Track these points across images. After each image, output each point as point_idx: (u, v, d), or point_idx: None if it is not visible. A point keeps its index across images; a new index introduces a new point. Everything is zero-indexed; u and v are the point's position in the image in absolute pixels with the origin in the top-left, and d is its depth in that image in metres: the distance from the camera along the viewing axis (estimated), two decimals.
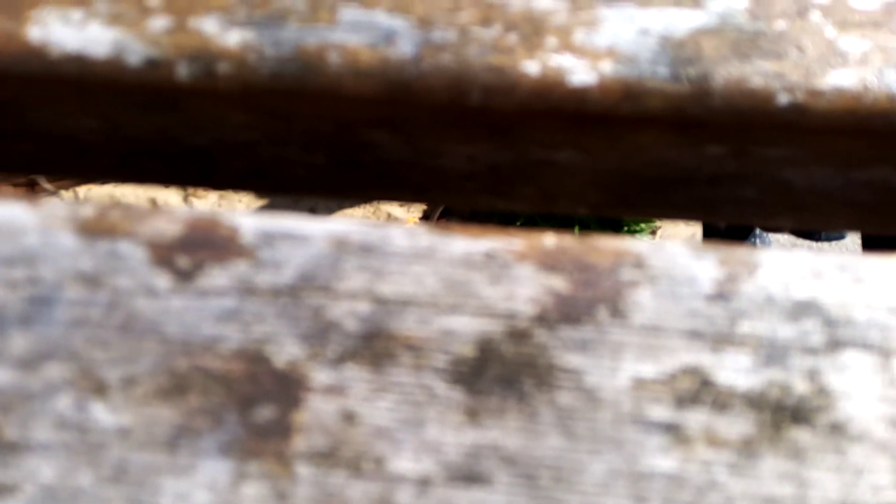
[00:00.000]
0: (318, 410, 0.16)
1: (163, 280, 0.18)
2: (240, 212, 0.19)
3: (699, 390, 0.16)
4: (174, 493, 0.16)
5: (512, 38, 0.20)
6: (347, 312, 0.17)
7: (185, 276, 0.18)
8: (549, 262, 0.18)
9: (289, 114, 0.21)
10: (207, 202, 1.16)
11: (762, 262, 0.17)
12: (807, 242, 1.11)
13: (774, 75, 0.19)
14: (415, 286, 0.18)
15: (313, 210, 1.17)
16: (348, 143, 0.23)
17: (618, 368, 0.16)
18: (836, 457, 0.15)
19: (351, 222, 0.19)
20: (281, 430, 0.16)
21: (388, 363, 0.17)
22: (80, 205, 0.19)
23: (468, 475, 0.16)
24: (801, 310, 0.17)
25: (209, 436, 0.16)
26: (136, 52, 0.20)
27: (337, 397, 0.17)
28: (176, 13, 0.20)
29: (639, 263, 0.17)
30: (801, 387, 0.16)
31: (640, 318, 0.17)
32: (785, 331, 0.17)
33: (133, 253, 0.18)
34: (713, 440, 0.16)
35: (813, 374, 0.16)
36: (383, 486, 0.16)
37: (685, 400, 0.16)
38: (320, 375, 0.17)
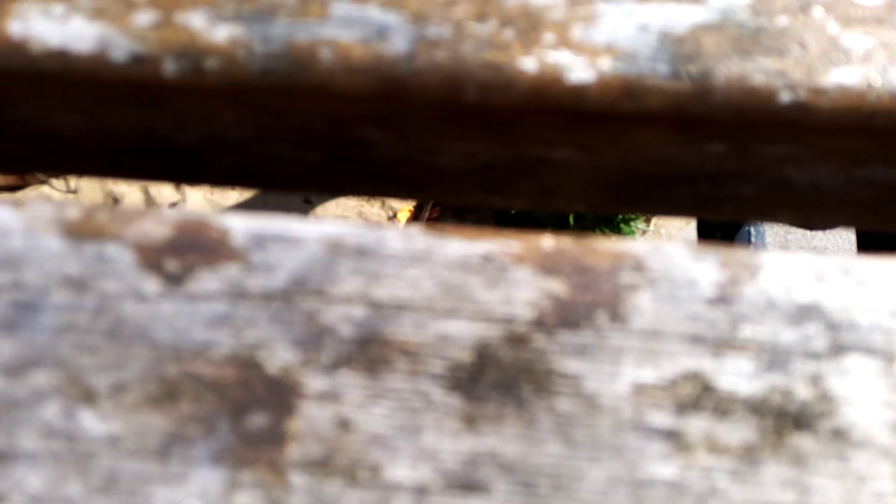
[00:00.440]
0: (312, 417, 0.16)
1: (151, 284, 0.17)
2: (230, 213, 0.18)
3: (700, 396, 0.16)
4: (165, 503, 0.15)
5: (508, 34, 0.19)
6: (342, 317, 0.17)
7: (174, 280, 0.17)
8: (547, 265, 0.17)
9: (279, 111, 0.21)
10: (200, 191, 1.15)
11: (764, 264, 0.17)
12: (800, 231, 1.11)
13: (776, 73, 0.19)
14: (410, 290, 0.17)
15: (308, 200, 1.16)
16: (341, 139, 0.22)
17: (617, 374, 0.16)
18: (839, 463, 0.15)
19: (345, 224, 0.18)
20: (274, 437, 0.16)
21: (383, 369, 0.17)
22: (65, 206, 0.19)
23: (466, 483, 0.16)
24: (804, 313, 0.16)
25: (201, 444, 0.16)
26: (120, 47, 0.20)
27: (331, 404, 0.16)
28: (162, 7, 0.20)
29: (638, 266, 0.17)
30: (803, 392, 0.16)
31: (639, 323, 0.17)
32: (787, 335, 0.16)
33: (120, 256, 0.18)
34: (714, 447, 0.16)
35: (815, 380, 0.16)
36: (379, 495, 0.16)
37: (686, 406, 0.16)
38: (314, 382, 0.16)
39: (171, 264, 0.18)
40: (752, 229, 0.93)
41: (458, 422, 0.16)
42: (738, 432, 0.16)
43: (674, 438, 0.16)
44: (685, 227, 1.22)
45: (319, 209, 1.17)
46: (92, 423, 0.16)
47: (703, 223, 0.91)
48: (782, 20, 0.19)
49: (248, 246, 0.18)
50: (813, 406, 0.16)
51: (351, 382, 0.16)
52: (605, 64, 0.19)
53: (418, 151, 0.22)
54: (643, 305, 0.17)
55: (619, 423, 0.16)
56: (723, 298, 0.17)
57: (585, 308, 0.17)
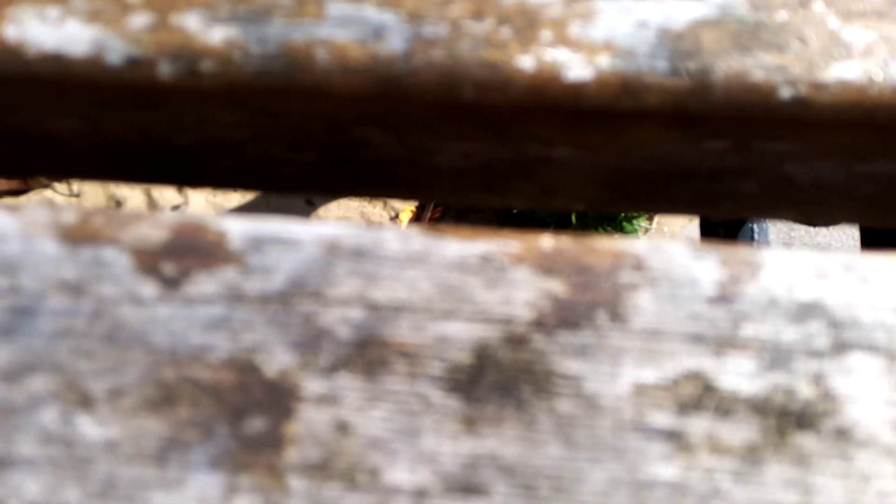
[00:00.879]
0: (310, 421, 0.16)
1: (148, 288, 0.17)
2: (227, 215, 0.18)
3: (702, 396, 0.16)
4: None
5: (505, 32, 0.19)
6: (340, 319, 0.17)
7: (171, 284, 0.17)
8: (546, 265, 0.17)
9: (276, 112, 0.21)
10: (202, 193, 1.15)
11: (765, 261, 0.17)
12: (803, 228, 1.10)
13: (776, 68, 0.18)
14: (408, 291, 0.17)
15: (310, 202, 1.16)
16: (339, 140, 0.22)
17: (618, 374, 0.16)
18: (842, 463, 0.15)
19: (342, 225, 0.18)
20: (272, 441, 0.16)
21: (381, 371, 0.16)
22: (61, 210, 0.18)
23: (465, 486, 0.15)
24: (806, 311, 0.16)
25: (199, 448, 0.16)
26: (116, 50, 0.19)
27: (330, 407, 0.16)
28: (157, 9, 0.20)
29: (638, 265, 0.17)
30: (805, 391, 0.16)
31: (640, 322, 0.16)
32: (789, 333, 0.16)
33: (117, 260, 0.18)
34: (716, 447, 0.15)
35: (818, 378, 0.16)
36: (378, 499, 0.15)
37: (687, 406, 0.16)
38: (312, 385, 0.16)
39: (168, 268, 0.18)
40: (755, 226, 0.93)
41: (458, 424, 0.16)
42: (740, 432, 0.15)
43: (675, 439, 0.16)
44: (688, 225, 1.22)
45: (322, 210, 1.17)
46: (89, 428, 0.16)
47: (705, 220, 0.91)
48: (782, 15, 0.19)
49: (245, 248, 0.18)
50: (816, 405, 0.16)
51: (349, 385, 0.16)
52: (604, 61, 0.19)
53: (416, 151, 0.22)
54: (643, 305, 0.17)
55: (620, 423, 0.16)
56: (724, 297, 0.17)
57: (585, 308, 0.17)
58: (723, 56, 0.19)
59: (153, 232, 0.18)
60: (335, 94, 0.19)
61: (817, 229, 1.10)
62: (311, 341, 0.17)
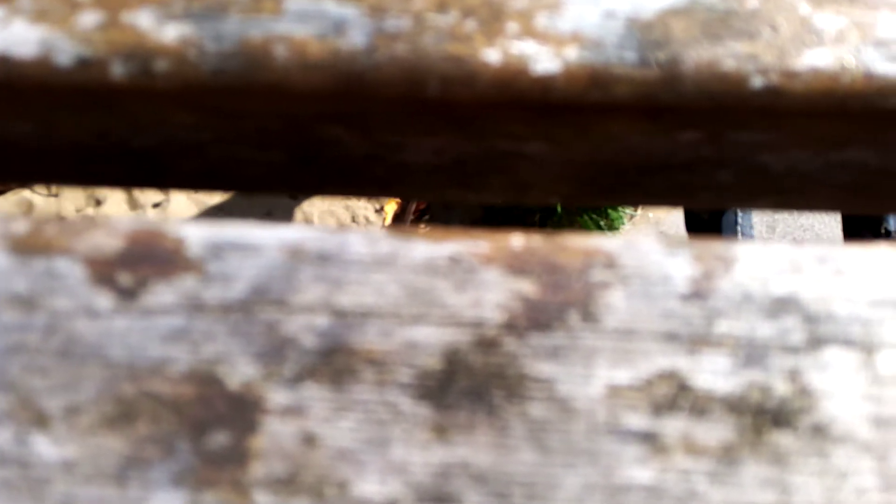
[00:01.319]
0: (275, 434, 0.15)
1: (104, 299, 0.17)
2: (185, 221, 0.18)
3: (676, 396, 0.15)
4: None
5: (470, 25, 0.19)
6: (304, 327, 0.16)
7: (127, 295, 0.17)
8: (516, 265, 0.17)
9: (236, 112, 0.20)
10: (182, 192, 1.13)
11: (738, 256, 0.17)
12: (786, 212, 1.11)
13: (747, 57, 0.18)
14: (375, 296, 0.17)
15: (294, 196, 1.15)
16: (304, 139, 0.21)
17: (591, 376, 0.16)
18: (819, 460, 0.15)
19: (305, 228, 0.17)
20: (237, 456, 0.15)
21: (349, 380, 0.16)
22: (11, 220, 0.18)
23: (437, 496, 0.15)
24: (780, 306, 0.16)
25: (160, 466, 0.15)
26: (65, 51, 0.19)
27: (295, 419, 0.16)
28: (107, 7, 0.19)
29: (610, 263, 0.17)
30: (781, 388, 0.15)
31: (612, 322, 0.16)
32: (764, 329, 0.16)
33: (71, 271, 0.17)
34: (692, 448, 0.15)
35: (794, 374, 0.15)
36: None
37: (662, 406, 0.15)
38: (277, 396, 0.16)
39: (124, 278, 0.17)
40: (739, 212, 0.93)
41: (428, 432, 0.15)
42: (716, 432, 0.15)
43: (650, 441, 0.15)
44: (673, 210, 1.22)
45: (306, 204, 1.15)
46: (45, 447, 0.16)
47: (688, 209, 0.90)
48: (752, 2, 0.19)
49: (204, 255, 0.17)
50: (792, 402, 0.15)
51: (315, 395, 0.16)
52: (572, 53, 0.18)
53: (384, 148, 0.21)
54: (616, 304, 0.16)
55: (594, 426, 0.15)
56: (697, 294, 0.16)
57: (557, 308, 0.16)
58: (693, 45, 0.18)
59: (107, 240, 0.17)
60: (296, 92, 0.19)
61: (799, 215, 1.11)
62: (274, 351, 0.16)
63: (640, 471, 0.15)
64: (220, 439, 0.16)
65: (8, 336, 0.16)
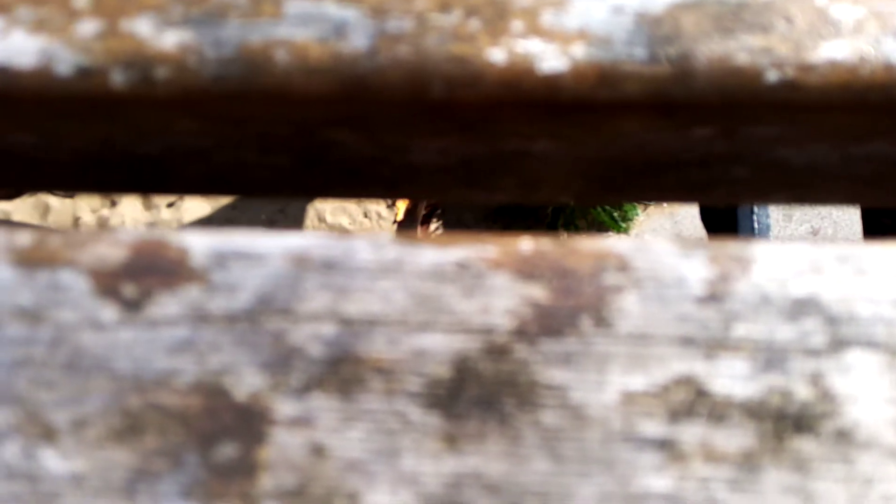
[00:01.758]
0: (283, 445, 0.15)
1: (109, 311, 0.16)
2: (189, 230, 0.17)
3: (694, 402, 0.15)
4: None
5: (474, 24, 0.18)
6: (311, 336, 0.16)
7: (132, 306, 0.16)
8: (526, 270, 0.16)
9: (239, 118, 0.20)
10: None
11: (756, 257, 0.16)
12: (802, 207, 1.09)
13: (761, 51, 0.17)
14: (382, 304, 0.16)
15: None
16: (309, 143, 0.21)
17: (605, 382, 0.15)
18: (844, 466, 0.14)
19: (310, 236, 0.17)
20: (245, 468, 0.15)
21: (357, 390, 0.16)
22: (15, 233, 0.18)
23: None
24: (801, 308, 0.15)
25: (168, 478, 0.15)
26: (65, 60, 0.18)
27: (303, 430, 0.15)
28: (106, 15, 0.19)
29: (622, 266, 0.16)
30: (803, 392, 0.15)
31: (626, 326, 0.16)
32: (783, 332, 0.15)
33: (75, 283, 0.17)
34: (711, 455, 0.15)
35: (815, 378, 0.15)
36: None
37: (679, 413, 0.15)
38: (284, 407, 0.16)
39: (129, 289, 0.17)
40: (755, 207, 0.92)
41: (439, 442, 0.15)
42: (735, 438, 0.15)
43: (667, 448, 0.15)
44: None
45: (318, 201, 1.15)
46: (54, 461, 0.15)
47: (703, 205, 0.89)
48: None
49: (208, 265, 0.17)
50: (814, 406, 0.15)
51: (323, 406, 0.16)
52: (579, 51, 0.18)
53: (390, 151, 0.21)
54: (629, 308, 0.16)
55: (609, 434, 0.15)
56: (714, 296, 0.16)
57: (568, 314, 0.16)
58: (704, 40, 0.18)
59: (111, 251, 0.17)
60: (298, 97, 0.18)
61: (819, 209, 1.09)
62: (281, 361, 0.16)
63: (657, 479, 0.15)
64: (227, 451, 0.15)
65: (14, 350, 0.16)
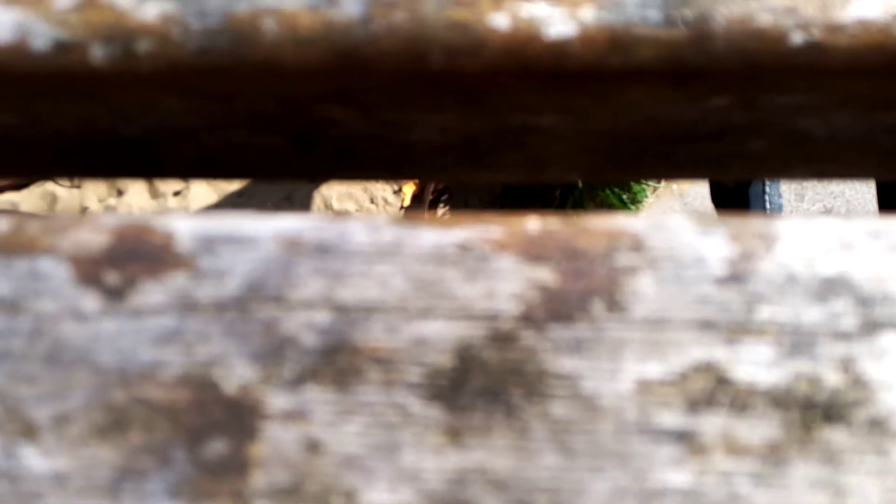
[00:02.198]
0: (276, 440, 0.14)
1: (91, 301, 0.16)
2: (175, 213, 0.16)
3: (714, 390, 0.14)
4: None
5: None
6: (304, 325, 0.15)
7: (115, 295, 0.16)
8: (532, 251, 0.15)
9: (227, 94, 0.19)
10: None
11: (781, 233, 0.15)
12: (815, 186, 1.07)
13: (785, 10, 0.16)
14: (380, 289, 0.15)
15: (312, 179, 1.13)
16: (302, 121, 0.20)
17: (619, 370, 0.14)
18: (877, 458, 0.13)
19: (303, 218, 0.16)
20: (236, 465, 0.14)
21: (353, 381, 0.15)
22: None
23: None
24: (830, 288, 0.14)
25: (155, 476, 0.14)
26: (41, 34, 0.17)
27: (297, 424, 0.14)
28: None
29: (636, 245, 0.15)
30: (832, 379, 0.14)
31: (641, 310, 0.15)
32: (811, 314, 0.14)
33: (55, 271, 0.16)
34: (733, 447, 0.14)
35: (846, 363, 0.14)
36: None
37: (699, 402, 0.14)
38: (277, 400, 0.15)
39: (112, 277, 0.16)
40: (767, 186, 0.90)
41: (441, 436, 0.14)
42: (759, 429, 0.14)
43: (686, 440, 0.14)
44: (697, 182, 1.19)
45: (324, 187, 1.14)
46: (35, 459, 0.15)
47: (713, 182, 0.88)
48: None
49: (195, 250, 0.16)
50: (845, 394, 0.14)
51: (318, 398, 0.15)
52: (588, 14, 0.17)
53: (388, 128, 0.20)
54: (644, 290, 0.15)
55: (623, 426, 0.14)
56: (735, 277, 0.15)
57: (579, 297, 0.15)
58: (723, 0, 0.16)
59: (93, 237, 0.16)
60: (288, 70, 0.17)
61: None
62: (273, 351, 0.15)
63: (675, 473, 0.14)
64: (217, 447, 0.14)
65: None
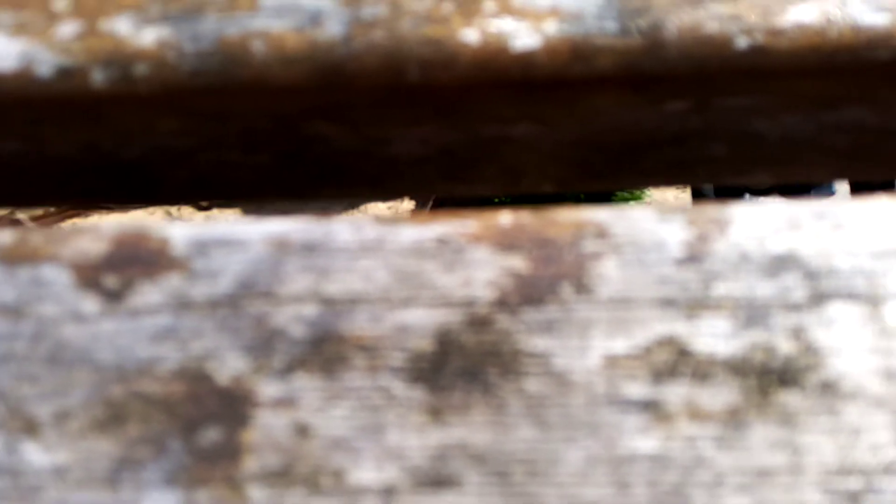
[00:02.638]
0: (267, 427, 0.15)
1: (90, 303, 0.16)
2: (169, 221, 0.18)
3: (677, 361, 0.15)
4: None
5: (447, 7, 0.18)
6: (292, 317, 0.16)
7: (113, 297, 0.16)
8: (505, 242, 0.16)
9: (220, 113, 0.20)
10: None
11: (733, 217, 0.16)
12: (787, 182, 1.09)
13: (730, 17, 0.18)
14: (363, 282, 0.16)
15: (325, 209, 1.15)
16: (290, 138, 0.21)
17: (587, 347, 0.15)
18: (830, 418, 0.14)
19: (290, 220, 0.17)
20: (229, 451, 0.15)
21: (340, 368, 0.16)
22: None
23: (436, 479, 0.15)
24: (780, 264, 0.15)
25: (152, 466, 0.15)
26: (45, 62, 0.19)
27: (287, 410, 0.15)
28: (85, 16, 0.19)
29: (601, 233, 0.16)
30: (786, 347, 0.15)
31: (606, 292, 0.16)
32: (764, 289, 0.15)
33: (57, 277, 0.17)
34: (696, 414, 0.15)
35: (798, 332, 0.15)
36: (344, 501, 0.14)
37: (662, 373, 0.15)
38: (268, 388, 0.15)
39: (110, 280, 0.17)
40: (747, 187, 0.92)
41: (423, 415, 0.15)
42: (720, 396, 0.15)
43: (652, 409, 0.15)
44: (679, 195, 1.20)
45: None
46: (36, 454, 0.15)
47: (696, 198, 0.89)
48: None
49: (189, 254, 0.17)
50: (798, 360, 0.15)
51: (307, 385, 0.15)
52: (551, 27, 0.18)
53: (370, 142, 0.21)
54: (609, 273, 0.16)
55: (593, 398, 0.15)
56: (693, 257, 0.16)
57: (549, 282, 0.16)
58: (674, 10, 0.18)
59: (93, 245, 0.17)
60: (276, 87, 0.19)
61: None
62: (263, 343, 0.16)
63: (643, 440, 0.14)
64: (211, 435, 0.15)
65: None
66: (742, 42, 0.18)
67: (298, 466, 0.15)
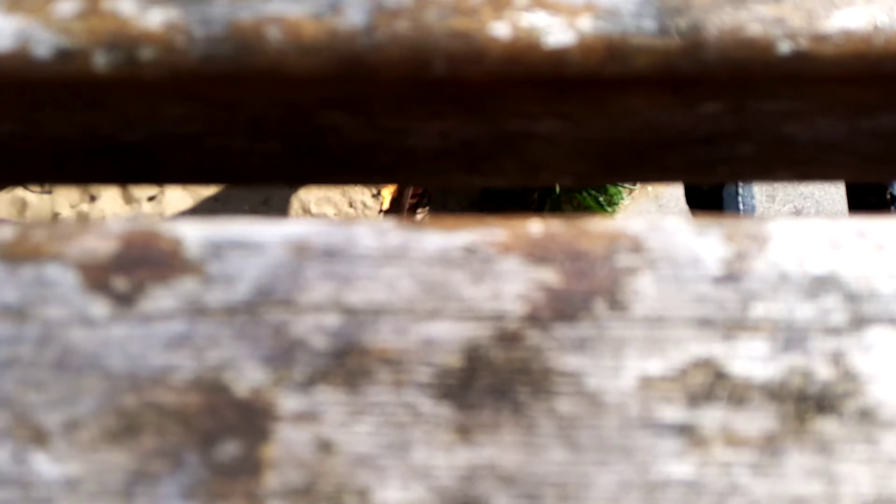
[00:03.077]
0: (289, 441, 0.15)
1: (99, 306, 0.16)
2: (182, 219, 0.17)
3: (713, 384, 0.15)
4: None
5: None
6: (313, 327, 0.15)
7: (124, 301, 0.16)
8: (536, 253, 0.16)
9: (229, 101, 0.19)
10: None
11: (773, 234, 0.16)
12: (785, 188, 1.09)
13: (773, 21, 0.17)
14: (387, 292, 0.16)
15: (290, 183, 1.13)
16: (302, 128, 0.20)
17: (621, 367, 0.15)
18: (868, 447, 0.14)
19: (310, 222, 0.16)
20: (249, 467, 0.15)
21: (364, 382, 0.15)
22: None
23: (463, 500, 0.14)
24: (820, 285, 0.15)
25: (169, 480, 0.14)
26: (43, 42, 0.17)
27: (309, 425, 0.15)
28: None
29: (636, 247, 0.16)
30: (824, 372, 0.14)
31: (641, 309, 0.15)
32: (803, 311, 0.15)
33: (63, 278, 0.16)
34: (732, 439, 0.14)
35: (837, 357, 0.15)
36: None
37: (698, 397, 0.14)
38: (288, 402, 0.15)
39: (120, 283, 0.16)
40: (740, 188, 0.92)
41: (451, 433, 0.15)
42: (756, 421, 0.14)
43: (687, 433, 0.14)
44: (672, 184, 1.21)
45: (302, 191, 1.14)
46: (46, 465, 0.15)
47: (688, 186, 0.89)
48: None
49: (204, 256, 0.16)
50: (836, 386, 0.14)
51: (329, 399, 0.15)
52: (586, 24, 0.17)
53: (388, 134, 0.20)
54: (644, 290, 0.15)
55: (627, 421, 0.14)
56: (731, 276, 0.15)
57: (582, 297, 0.15)
58: (715, 10, 0.17)
59: (100, 244, 0.16)
60: (291, 78, 0.18)
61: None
62: (283, 354, 0.15)
63: (677, 465, 0.14)
64: (230, 449, 0.15)
65: (0, 349, 0.15)
66: (785, 47, 0.17)
67: (321, 484, 0.14)
